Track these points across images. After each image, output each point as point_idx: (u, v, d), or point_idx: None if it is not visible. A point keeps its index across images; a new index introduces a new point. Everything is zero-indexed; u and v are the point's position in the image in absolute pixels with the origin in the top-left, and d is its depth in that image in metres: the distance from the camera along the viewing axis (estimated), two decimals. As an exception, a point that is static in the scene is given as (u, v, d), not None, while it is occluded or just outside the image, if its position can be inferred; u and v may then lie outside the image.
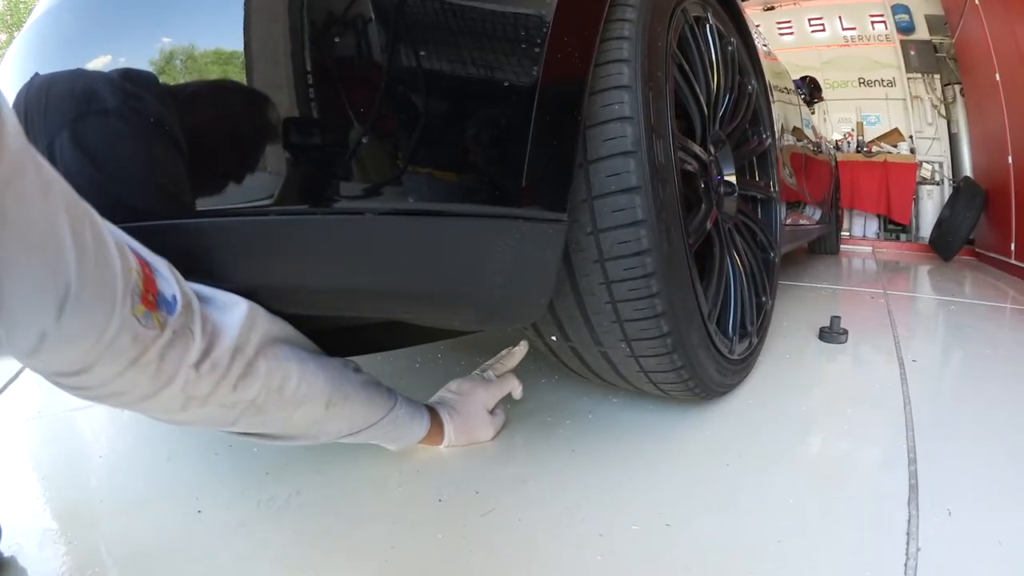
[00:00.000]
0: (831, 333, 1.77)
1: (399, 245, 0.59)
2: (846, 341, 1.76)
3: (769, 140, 1.49)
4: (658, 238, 0.77)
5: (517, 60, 0.64)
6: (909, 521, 0.77)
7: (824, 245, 4.15)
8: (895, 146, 5.52)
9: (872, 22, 5.75)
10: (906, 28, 5.54)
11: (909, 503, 0.82)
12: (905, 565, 0.68)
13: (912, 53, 5.50)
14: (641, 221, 0.75)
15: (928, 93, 5.46)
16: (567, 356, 1.00)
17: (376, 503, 0.83)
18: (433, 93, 0.59)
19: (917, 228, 5.44)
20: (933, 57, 5.41)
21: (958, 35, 4.59)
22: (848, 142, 5.76)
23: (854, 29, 5.83)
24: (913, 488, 0.86)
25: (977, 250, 4.42)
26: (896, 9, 5.53)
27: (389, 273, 0.61)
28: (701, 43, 1.11)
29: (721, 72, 1.21)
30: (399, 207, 0.57)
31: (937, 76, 5.41)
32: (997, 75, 3.57)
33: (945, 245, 4.29)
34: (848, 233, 5.63)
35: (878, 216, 5.59)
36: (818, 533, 0.75)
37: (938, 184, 5.37)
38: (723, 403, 1.17)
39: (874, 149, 5.55)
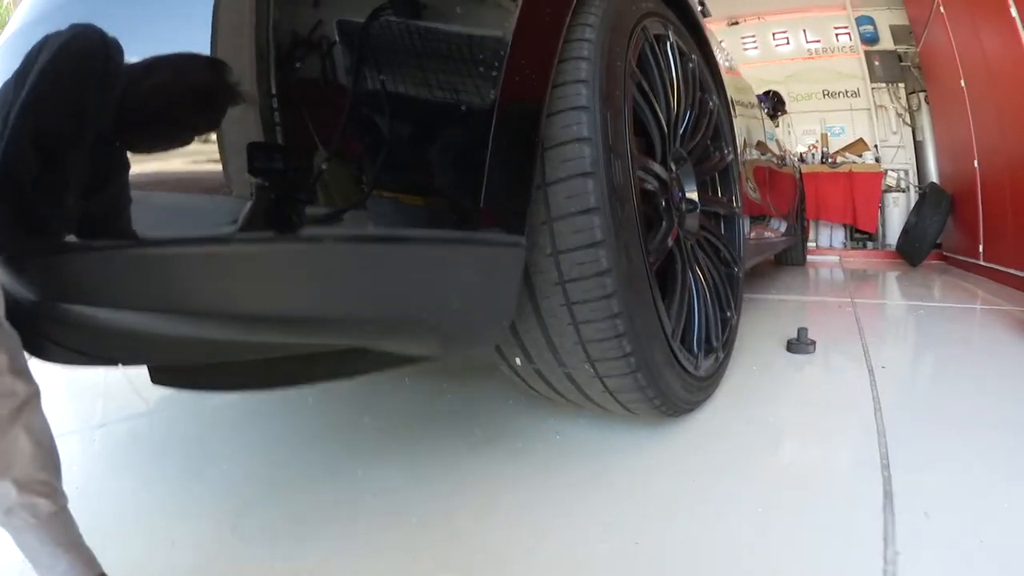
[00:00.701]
0: (798, 344, 1.79)
1: (358, 272, 0.58)
2: (814, 351, 1.77)
3: (731, 156, 1.51)
4: (617, 258, 0.77)
5: (474, 83, 0.64)
6: (885, 527, 0.77)
7: (790, 257, 4.18)
8: (860, 156, 5.63)
9: (836, 34, 5.88)
10: (871, 39, 5.67)
11: (884, 509, 0.82)
12: (884, 571, 0.68)
13: (877, 63, 5.63)
14: (600, 242, 0.75)
15: (893, 102, 5.59)
16: (532, 379, 1.00)
17: (345, 525, 0.83)
18: (393, 116, 0.59)
19: (884, 235, 5.54)
20: (898, 66, 5.54)
21: (923, 44, 4.69)
22: (813, 153, 5.85)
23: (819, 42, 5.95)
24: (888, 494, 0.86)
25: (945, 254, 4.51)
26: (861, 20, 5.67)
27: (347, 300, 0.60)
28: (661, 61, 1.12)
29: (682, 89, 1.22)
30: (359, 233, 0.57)
31: (902, 85, 5.54)
32: (962, 81, 3.65)
33: (913, 251, 4.38)
34: (815, 244, 5.69)
35: (844, 225, 5.67)
36: (792, 543, 0.75)
37: (904, 191, 5.48)
38: (691, 418, 1.17)
39: (839, 160, 5.64)
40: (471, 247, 0.63)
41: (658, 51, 1.11)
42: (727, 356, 1.34)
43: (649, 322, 0.88)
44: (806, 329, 1.81)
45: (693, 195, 1.26)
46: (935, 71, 4.52)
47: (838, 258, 5.31)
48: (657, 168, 1.04)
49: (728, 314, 1.35)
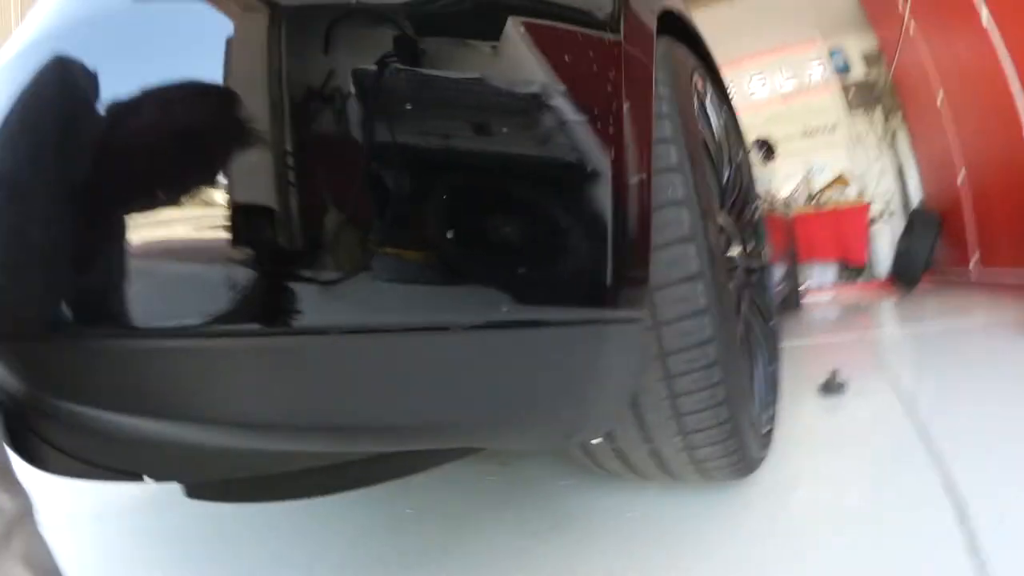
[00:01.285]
0: (832, 385, 1.75)
1: (481, 364, 0.52)
2: (845, 392, 1.73)
3: (758, 206, 1.49)
4: (720, 324, 0.73)
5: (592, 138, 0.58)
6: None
7: (787, 302, 4.13)
8: (842, 192, 5.68)
9: (810, 73, 6.02)
10: (842, 69, 5.82)
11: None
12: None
13: (851, 93, 5.77)
14: (704, 309, 0.71)
15: (869, 129, 5.71)
16: (606, 458, 0.94)
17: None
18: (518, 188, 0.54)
19: (874, 264, 5.57)
20: (871, 93, 5.68)
21: (895, 67, 4.80)
22: (796, 196, 5.87)
23: (793, 78, 6.08)
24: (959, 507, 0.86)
25: (938, 275, 4.55)
26: (832, 53, 5.83)
27: (460, 398, 0.53)
28: (711, 115, 1.10)
29: (723, 143, 1.20)
30: (489, 320, 0.50)
31: (879, 108, 5.66)
32: (938, 98, 3.72)
33: (907, 276, 4.42)
34: (805, 285, 5.69)
35: (835, 261, 5.64)
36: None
37: (890, 217, 5.55)
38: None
39: (823, 199, 5.65)
40: (602, 327, 0.57)
41: (707, 106, 1.09)
42: (775, 410, 1.29)
43: (743, 386, 0.84)
44: (838, 370, 1.77)
45: (737, 251, 1.23)
46: (910, 92, 4.63)
47: (832, 296, 5.30)
48: (727, 225, 1.01)
49: (773, 367, 1.32)
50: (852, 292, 5.37)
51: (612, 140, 0.59)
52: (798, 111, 6.01)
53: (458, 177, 0.50)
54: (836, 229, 5.33)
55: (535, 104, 0.54)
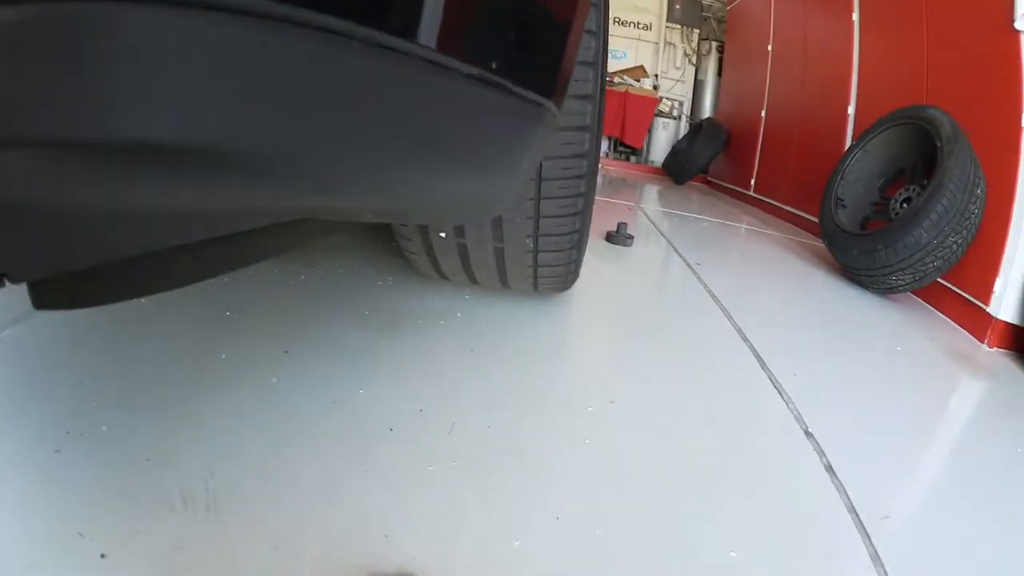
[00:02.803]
0: (618, 236, 2.05)
1: (452, 113, 0.50)
2: (631, 244, 2.04)
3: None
4: (592, 143, 0.85)
5: None
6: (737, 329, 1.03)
7: None
8: (637, 80, 6.14)
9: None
10: (676, -17, 6.13)
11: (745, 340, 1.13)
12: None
13: (677, 7, 6.12)
14: (587, 127, 0.82)
15: (683, 43, 6.18)
16: (444, 254, 1.01)
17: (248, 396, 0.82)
18: None
19: (648, 152, 6.23)
20: (699, 15, 6.11)
21: (736, 4, 5.19)
22: None
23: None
24: (727, 314, 1.20)
25: (710, 179, 5.29)
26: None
27: (421, 140, 0.49)
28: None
29: None
30: (480, 73, 0.50)
31: (697, 31, 6.13)
32: (770, 46, 4.23)
33: (680, 171, 5.04)
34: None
35: (609, 137, 6.21)
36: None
37: (675, 119, 6.18)
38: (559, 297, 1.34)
39: (616, 80, 6.05)
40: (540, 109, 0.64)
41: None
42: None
43: (591, 203, 0.98)
44: (625, 224, 2.06)
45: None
46: (741, 30, 5.07)
47: (601, 165, 5.85)
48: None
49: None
50: (620, 168, 6.01)
51: None
52: (618, 1, 6.21)
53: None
54: (621, 110, 5.77)
55: None
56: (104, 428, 0.71)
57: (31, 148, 0.33)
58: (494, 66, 0.50)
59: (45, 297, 0.62)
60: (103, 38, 0.31)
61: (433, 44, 0.43)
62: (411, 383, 0.88)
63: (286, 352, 0.91)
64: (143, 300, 1.02)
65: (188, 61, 0.32)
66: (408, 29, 0.41)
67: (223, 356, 0.88)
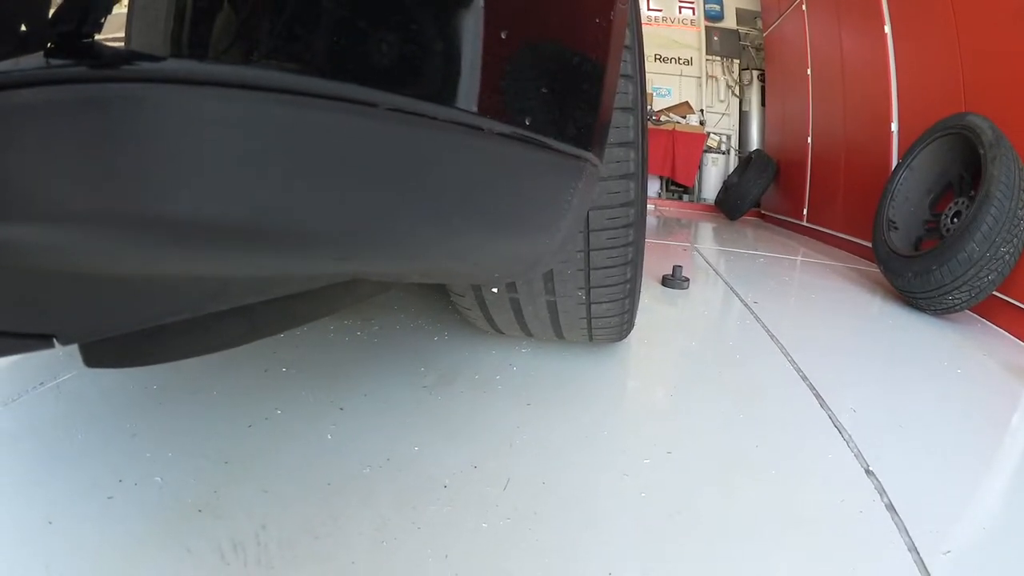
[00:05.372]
0: (675, 280, 2.01)
1: (492, 174, 0.50)
2: (687, 286, 2.01)
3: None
4: (639, 192, 0.85)
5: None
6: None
7: None
8: (684, 117, 6.11)
9: (680, 7, 6.28)
10: (715, 16, 6.17)
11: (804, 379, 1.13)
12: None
13: (716, 39, 6.15)
14: (631, 175, 0.82)
15: (725, 74, 6.16)
16: (497, 309, 1.01)
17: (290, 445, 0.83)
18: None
19: (700, 190, 6.16)
20: (737, 44, 6.11)
21: (772, 30, 5.17)
22: None
23: (660, 11, 6.32)
24: (785, 352, 1.19)
25: (764, 212, 5.18)
26: (709, -1, 6.15)
27: (465, 207, 0.49)
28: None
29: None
30: (513, 131, 0.49)
31: (737, 61, 6.12)
32: (809, 70, 4.17)
33: (733, 206, 4.96)
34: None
35: (660, 178, 6.17)
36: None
37: (724, 154, 6.11)
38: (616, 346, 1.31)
39: (662, 118, 6.04)
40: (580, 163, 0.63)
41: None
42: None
43: (641, 252, 0.97)
44: (681, 266, 2.03)
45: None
46: (779, 56, 5.04)
47: (654, 207, 5.83)
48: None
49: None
50: (674, 207, 5.95)
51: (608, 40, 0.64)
52: (657, 38, 6.26)
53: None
54: (670, 149, 5.76)
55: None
56: (158, 478, 0.73)
57: (80, 222, 0.34)
58: (528, 123, 0.50)
59: (96, 355, 0.64)
60: (146, 117, 0.32)
61: (466, 106, 0.43)
62: (466, 439, 0.87)
63: (341, 409, 0.92)
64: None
65: (228, 140, 0.34)
66: (439, 94, 0.42)
67: (278, 412, 0.90)
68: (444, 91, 0.42)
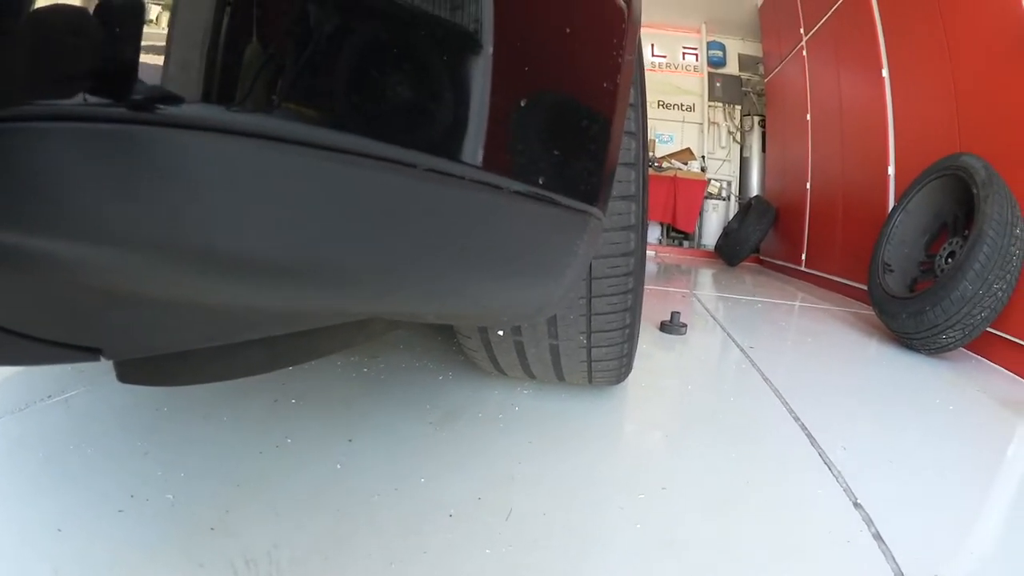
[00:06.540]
0: (672, 326, 2.06)
1: (502, 228, 0.55)
2: (685, 332, 2.05)
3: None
4: (639, 242, 0.90)
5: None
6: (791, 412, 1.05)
7: None
8: (685, 163, 6.25)
9: (684, 54, 6.47)
10: (717, 62, 6.36)
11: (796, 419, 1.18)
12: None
13: (718, 84, 6.33)
14: (632, 226, 0.88)
15: (726, 120, 6.32)
16: (502, 351, 1.06)
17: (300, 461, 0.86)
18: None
19: (700, 236, 6.25)
20: (738, 90, 6.28)
21: (773, 76, 5.32)
22: None
23: (664, 57, 6.51)
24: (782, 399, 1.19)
25: (763, 258, 5.26)
26: (711, 45, 6.32)
27: (473, 256, 0.54)
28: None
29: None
30: (528, 189, 0.54)
31: (738, 107, 6.28)
32: (808, 116, 4.29)
33: (732, 252, 5.04)
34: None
35: (661, 224, 6.28)
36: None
37: (724, 200, 6.23)
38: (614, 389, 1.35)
39: (664, 164, 6.17)
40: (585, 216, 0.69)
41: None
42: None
43: (640, 298, 1.02)
44: (679, 312, 2.08)
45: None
46: (780, 102, 5.18)
47: (654, 253, 5.92)
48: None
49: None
50: (674, 254, 6.03)
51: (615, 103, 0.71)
52: (660, 84, 6.44)
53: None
54: (671, 195, 5.85)
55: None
56: (170, 496, 0.76)
57: (138, 250, 0.38)
58: (541, 182, 0.56)
59: (130, 372, 0.69)
60: (189, 161, 0.36)
61: (489, 167, 0.49)
62: (471, 472, 0.91)
63: (350, 440, 0.96)
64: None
65: (291, 192, 0.39)
66: (469, 156, 0.48)
67: (289, 440, 0.94)
68: (474, 154, 0.48)
